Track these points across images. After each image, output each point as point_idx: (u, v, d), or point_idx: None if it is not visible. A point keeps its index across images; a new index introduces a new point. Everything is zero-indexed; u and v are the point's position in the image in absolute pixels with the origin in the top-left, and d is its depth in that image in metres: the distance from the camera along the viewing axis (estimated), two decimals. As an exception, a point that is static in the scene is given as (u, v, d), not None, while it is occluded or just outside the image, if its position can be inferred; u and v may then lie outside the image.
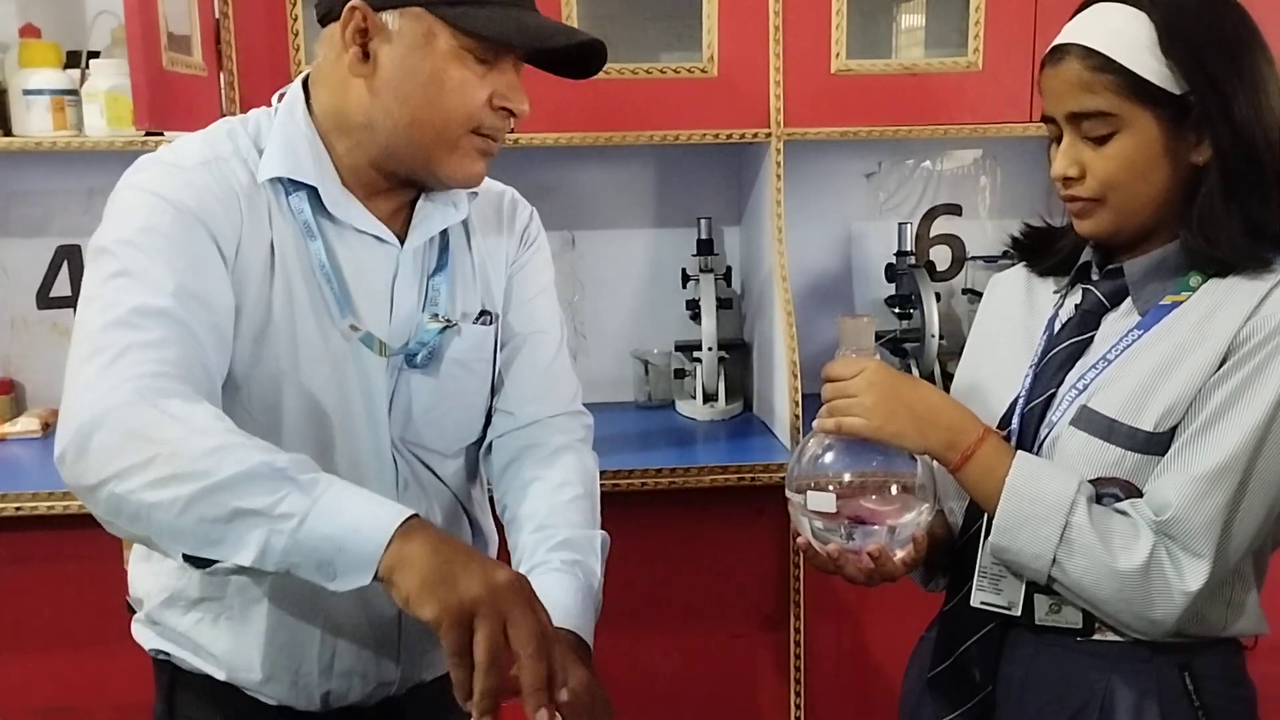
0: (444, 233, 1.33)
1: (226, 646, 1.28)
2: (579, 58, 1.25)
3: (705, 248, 2.50)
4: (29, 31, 2.27)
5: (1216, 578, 1.14)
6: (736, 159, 2.57)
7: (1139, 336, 1.21)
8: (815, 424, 1.25)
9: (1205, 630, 1.20)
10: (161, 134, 2.14)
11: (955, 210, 2.68)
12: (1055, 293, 1.34)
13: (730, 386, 2.49)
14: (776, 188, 2.25)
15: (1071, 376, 1.24)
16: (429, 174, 1.24)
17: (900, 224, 2.57)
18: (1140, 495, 1.18)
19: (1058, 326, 1.30)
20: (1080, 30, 1.20)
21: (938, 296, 2.44)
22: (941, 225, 2.68)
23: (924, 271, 2.49)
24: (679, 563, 2.13)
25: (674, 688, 2.16)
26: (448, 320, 1.30)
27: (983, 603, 1.25)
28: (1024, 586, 1.23)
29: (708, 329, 2.41)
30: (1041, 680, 1.24)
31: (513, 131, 2.18)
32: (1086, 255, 1.30)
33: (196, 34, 2.07)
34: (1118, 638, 1.21)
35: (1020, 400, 1.27)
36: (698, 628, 2.15)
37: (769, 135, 2.24)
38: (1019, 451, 1.21)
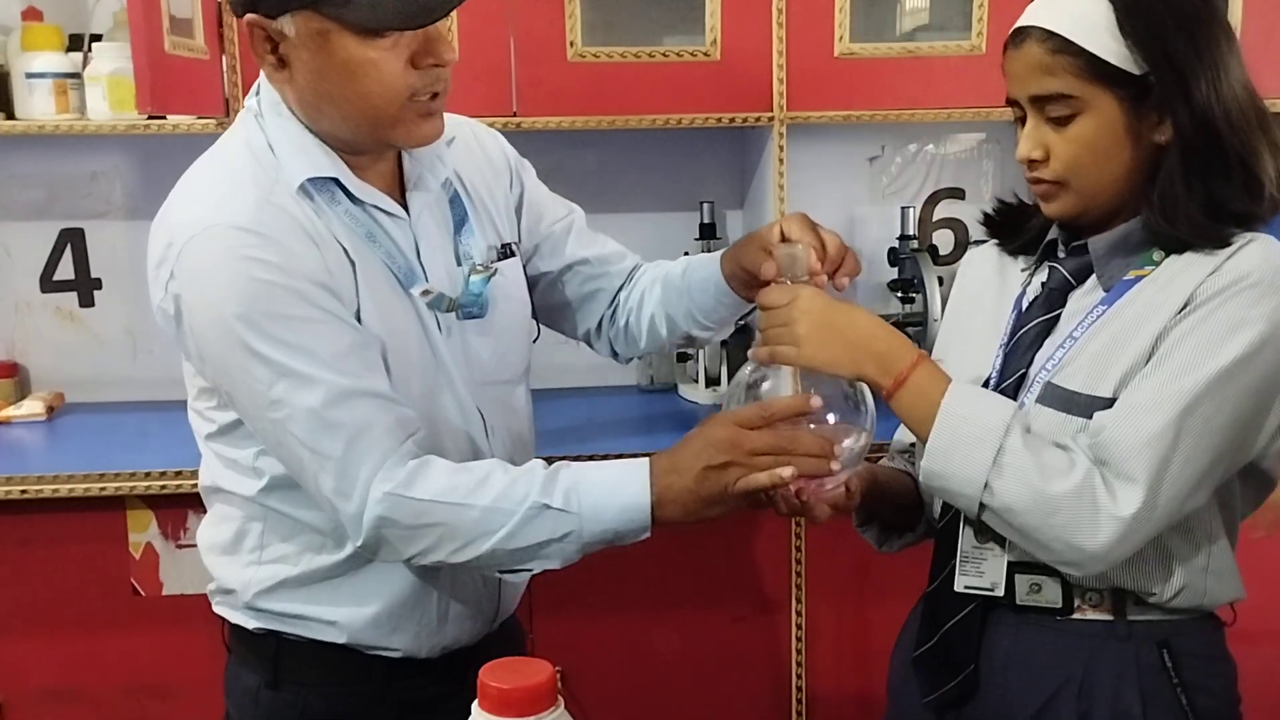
0: (449, 188, 1.36)
1: (348, 613, 1.33)
2: None
3: (708, 231, 2.50)
4: (31, 15, 2.28)
5: (1151, 513, 1.12)
6: (739, 142, 2.56)
7: (1103, 312, 1.21)
8: (750, 353, 1.25)
9: (1192, 601, 1.22)
10: (164, 117, 2.15)
11: (958, 194, 2.68)
12: (1024, 270, 1.34)
13: (732, 370, 2.48)
14: (779, 171, 2.25)
15: (1040, 356, 1.24)
16: (386, 146, 1.27)
17: (903, 208, 2.56)
18: None
19: (1025, 304, 1.30)
20: (1040, 12, 1.20)
21: (940, 280, 2.44)
22: (944, 209, 2.68)
23: (927, 255, 2.48)
24: (680, 546, 2.13)
25: (676, 670, 2.17)
26: (487, 268, 1.35)
27: (966, 587, 1.25)
28: (1005, 567, 1.24)
29: (710, 313, 2.40)
30: (1023, 659, 1.25)
31: (519, 115, 2.18)
32: (1053, 233, 1.31)
33: (198, 17, 2.07)
34: (1096, 616, 1.22)
35: (992, 381, 1.27)
36: (699, 611, 2.16)
37: (771, 119, 2.23)
38: (953, 379, 1.20)
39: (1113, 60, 1.16)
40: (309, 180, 1.24)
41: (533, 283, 1.51)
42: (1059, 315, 1.26)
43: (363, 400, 1.20)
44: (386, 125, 1.22)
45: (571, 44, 2.18)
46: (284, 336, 1.19)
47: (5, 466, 2.02)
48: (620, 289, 1.56)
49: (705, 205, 2.50)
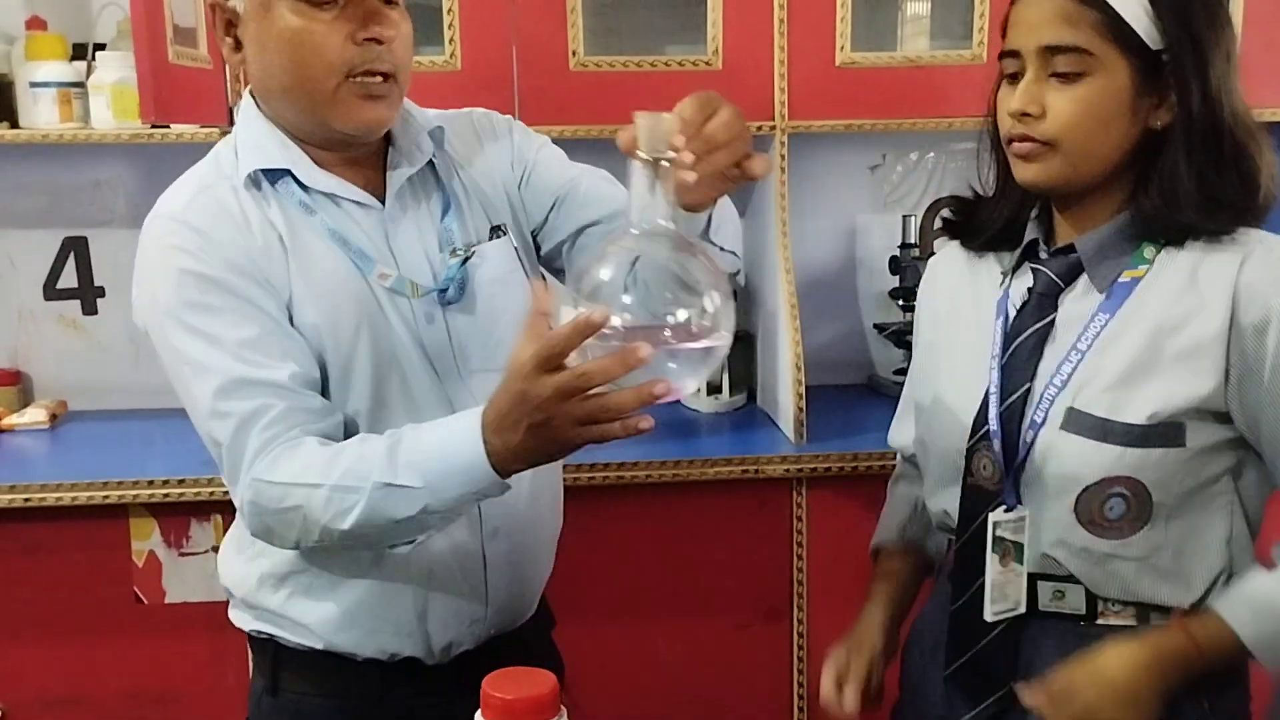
0: (436, 176, 1.36)
1: (321, 617, 1.33)
2: None
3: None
4: (36, 24, 2.28)
5: None
6: (741, 151, 2.56)
7: (1107, 321, 1.19)
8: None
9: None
10: (167, 126, 2.15)
11: (960, 202, 2.68)
12: (1002, 272, 1.30)
13: (734, 379, 2.49)
14: (780, 180, 2.25)
15: (1045, 369, 1.21)
16: (330, 132, 1.27)
17: (904, 216, 2.56)
18: (1146, 492, 1.15)
19: (1012, 312, 1.26)
20: None
21: (942, 289, 2.44)
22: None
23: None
24: (683, 554, 2.13)
25: (678, 678, 2.17)
26: (466, 251, 1.34)
27: (996, 614, 1.23)
28: (1025, 582, 1.22)
29: (712, 321, 2.40)
30: (1047, 664, 1.22)
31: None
32: (1031, 233, 1.28)
33: (202, 27, 2.07)
34: (1120, 622, 1.21)
35: (993, 398, 1.23)
36: (701, 619, 2.16)
37: (773, 128, 2.24)
38: (1223, 607, 1.16)
39: (1137, 28, 1.14)
40: (261, 171, 1.27)
41: (553, 256, 1.48)
42: (1053, 320, 1.23)
43: (256, 389, 1.20)
44: (325, 104, 1.23)
45: (574, 53, 2.19)
46: (193, 323, 1.21)
47: (8, 474, 2.03)
48: None
49: (707, 214, 2.50)
